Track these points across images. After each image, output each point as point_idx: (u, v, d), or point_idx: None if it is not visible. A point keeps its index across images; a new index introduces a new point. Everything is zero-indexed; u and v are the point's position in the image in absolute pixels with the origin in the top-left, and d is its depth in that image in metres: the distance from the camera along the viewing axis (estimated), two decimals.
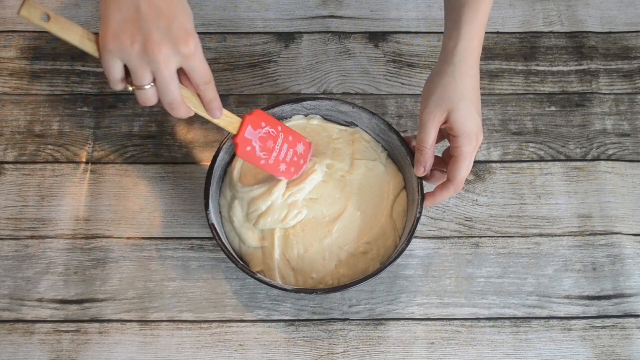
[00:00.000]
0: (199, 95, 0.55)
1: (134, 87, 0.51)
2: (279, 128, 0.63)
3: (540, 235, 0.73)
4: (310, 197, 0.67)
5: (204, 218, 0.72)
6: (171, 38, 0.49)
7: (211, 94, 0.55)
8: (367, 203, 0.68)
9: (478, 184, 0.76)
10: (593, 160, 0.77)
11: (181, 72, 0.53)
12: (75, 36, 0.50)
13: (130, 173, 0.75)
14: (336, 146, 0.70)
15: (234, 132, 0.60)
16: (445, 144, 0.63)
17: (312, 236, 0.66)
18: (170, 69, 0.50)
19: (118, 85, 0.52)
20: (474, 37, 0.59)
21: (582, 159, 0.77)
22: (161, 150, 0.77)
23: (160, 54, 0.49)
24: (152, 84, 0.51)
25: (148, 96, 0.52)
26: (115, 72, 0.51)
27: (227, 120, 0.60)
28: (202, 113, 0.57)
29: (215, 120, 0.58)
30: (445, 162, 0.63)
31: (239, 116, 0.61)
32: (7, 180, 0.75)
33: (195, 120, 0.78)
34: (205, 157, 0.76)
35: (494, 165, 0.77)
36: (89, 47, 0.51)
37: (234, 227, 0.66)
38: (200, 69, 0.52)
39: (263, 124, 0.62)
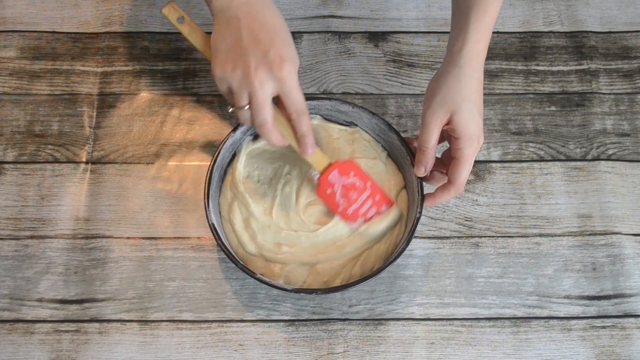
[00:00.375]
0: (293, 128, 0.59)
1: (234, 109, 0.57)
2: (368, 184, 0.65)
3: (540, 235, 0.73)
4: (308, 202, 0.67)
5: (204, 218, 0.72)
6: (267, 63, 0.54)
7: (304, 127, 0.59)
8: None
9: (478, 184, 0.76)
10: (593, 160, 0.77)
11: (280, 104, 0.57)
12: (200, 42, 0.60)
13: (130, 173, 0.75)
14: (336, 146, 0.70)
15: (319, 170, 0.63)
16: (445, 145, 0.63)
17: (313, 243, 0.66)
18: (264, 91, 0.55)
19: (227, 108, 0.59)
20: (481, 39, 0.59)
21: (582, 159, 0.77)
22: (161, 150, 0.77)
23: (256, 77, 0.54)
24: (248, 106, 0.56)
25: (246, 117, 0.57)
26: (225, 94, 0.57)
27: (317, 157, 0.62)
28: (295, 146, 0.60)
29: (304, 156, 0.61)
30: (444, 163, 0.63)
31: (330, 160, 0.63)
32: (7, 180, 0.75)
33: (195, 120, 0.78)
34: (205, 157, 0.76)
35: (494, 165, 0.77)
36: (208, 54, 0.59)
37: (234, 229, 0.66)
38: (294, 96, 0.56)
39: (351, 174, 0.64)
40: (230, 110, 0.58)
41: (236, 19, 0.55)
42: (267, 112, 0.56)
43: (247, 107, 0.56)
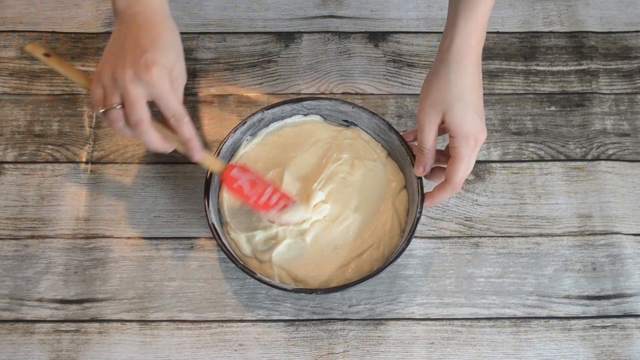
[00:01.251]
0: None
1: (105, 108, 0.55)
2: (268, 181, 0.65)
3: (540, 235, 0.73)
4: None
5: (204, 218, 0.72)
6: (137, 65, 0.53)
7: (187, 132, 0.57)
8: (369, 204, 0.68)
9: (478, 184, 0.76)
10: (593, 160, 0.77)
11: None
12: (69, 73, 0.60)
13: (130, 173, 0.75)
14: (336, 147, 0.71)
15: (219, 172, 0.63)
16: (447, 137, 0.63)
17: (313, 242, 0.66)
18: (135, 91, 0.53)
19: (98, 108, 0.55)
20: (471, 35, 0.58)
21: (582, 159, 0.77)
22: None
23: (125, 76, 0.53)
24: (120, 105, 0.54)
25: (116, 116, 0.55)
26: (96, 95, 0.56)
27: (211, 161, 0.62)
28: (182, 150, 0.59)
29: (194, 160, 0.60)
30: (446, 155, 0.63)
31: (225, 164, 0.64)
32: (7, 180, 0.75)
33: (195, 120, 0.78)
34: None
35: (494, 165, 0.77)
36: (81, 82, 0.60)
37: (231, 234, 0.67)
38: (167, 100, 0.55)
39: (251, 172, 0.64)
40: (102, 110, 0.55)
41: (126, 26, 0.56)
42: (140, 111, 0.54)
43: (119, 106, 0.54)
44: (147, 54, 0.53)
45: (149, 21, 0.56)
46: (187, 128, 0.57)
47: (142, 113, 0.54)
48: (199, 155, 0.59)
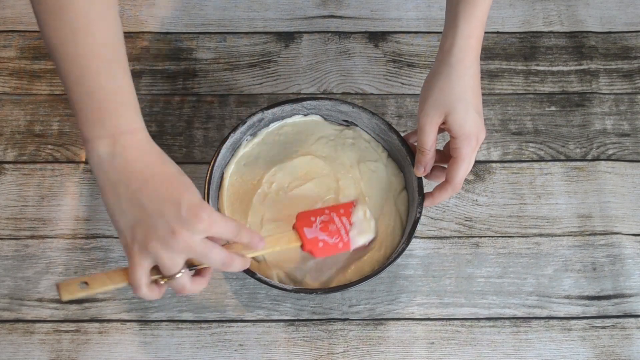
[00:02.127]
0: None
1: (165, 280, 0.50)
2: (326, 211, 0.63)
3: (540, 235, 0.73)
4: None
5: None
6: (185, 223, 0.47)
7: (246, 238, 0.52)
8: (373, 205, 0.68)
9: (478, 184, 0.76)
10: (593, 160, 0.77)
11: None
12: (112, 280, 0.50)
13: None
14: (336, 148, 0.71)
15: (297, 243, 0.60)
16: (447, 136, 0.63)
17: None
18: (199, 246, 0.48)
19: (143, 289, 0.49)
20: (472, 35, 0.57)
21: (582, 159, 0.77)
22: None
23: (182, 242, 0.47)
24: (182, 271, 0.49)
25: (182, 283, 0.50)
26: (142, 278, 0.49)
27: (280, 238, 0.59)
28: (254, 253, 0.56)
29: (269, 250, 0.57)
30: (445, 155, 0.63)
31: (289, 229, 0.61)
32: (7, 180, 0.75)
33: (195, 120, 0.78)
34: (205, 157, 0.76)
35: (494, 165, 0.77)
36: (120, 284, 0.51)
37: None
38: (224, 230, 0.50)
39: (312, 219, 0.62)
40: (163, 282, 0.50)
41: (125, 185, 0.48)
42: (217, 254, 0.50)
43: (180, 273, 0.49)
44: (182, 204, 0.47)
45: (146, 170, 0.49)
46: (244, 234, 0.52)
47: (220, 254, 0.50)
48: (262, 242, 0.54)
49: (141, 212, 0.47)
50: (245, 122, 0.68)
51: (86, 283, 0.49)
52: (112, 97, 0.49)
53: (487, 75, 0.82)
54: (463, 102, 0.57)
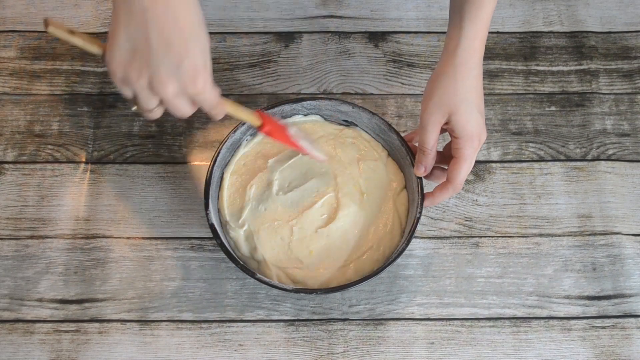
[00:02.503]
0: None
1: (141, 110, 0.51)
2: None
3: (540, 235, 0.73)
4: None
5: (204, 218, 0.71)
6: (179, 77, 0.47)
7: (217, 114, 0.53)
8: (371, 204, 0.68)
9: (478, 184, 0.76)
10: (593, 160, 0.77)
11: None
12: (94, 45, 0.50)
13: (130, 173, 0.75)
14: (336, 147, 0.71)
15: (258, 122, 0.59)
16: (447, 137, 0.63)
17: (313, 242, 0.66)
18: (182, 104, 0.49)
19: (131, 105, 0.51)
20: (476, 36, 0.58)
21: (582, 159, 0.77)
22: (161, 150, 0.77)
23: (167, 91, 0.48)
24: (158, 105, 0.50)
25: (153, 114, 0.52)
26: (126, 93, 0.50)
27: (243, 110, 0.58)
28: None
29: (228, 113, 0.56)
30: (445, 156, 0.63)
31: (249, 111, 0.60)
32: (7, 180, 0.75)
33: (195, 120, 0.78)
34: (205, 157, 0.76)
35: (494, 165, 0.77)
36: (94, 50, 0.50)
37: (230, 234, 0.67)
38: (209, 101, 0.51)
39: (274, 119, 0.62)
40: (134, 109, 0.52)
41: (142, 9, 0.46)
42: (185, 112, 0.51)
43: (157, 108, 0.51)
44: (186, 60, 0.47)
45: (169, 3, 0.47)
46: (220, 110, 0.53)
47: (187, 109, 0.51)
48: (222, 113, 0.54)
49: (145, 43, 0.46)
50: (245, 122, 0.68)
51: (73, 32, 0.49)
52: None
53: (487, 75, 0.82)
54: (466, 102, 0.58)
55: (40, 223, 0.73)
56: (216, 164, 0.66)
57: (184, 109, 0.50)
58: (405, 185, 0.70)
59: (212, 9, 0.86)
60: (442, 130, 0.61)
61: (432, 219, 0.74)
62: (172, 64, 0.47)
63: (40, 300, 0.69)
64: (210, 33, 0.84)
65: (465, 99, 0.58)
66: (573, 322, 0.69)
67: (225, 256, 0.68)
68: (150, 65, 0.47)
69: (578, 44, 0.85)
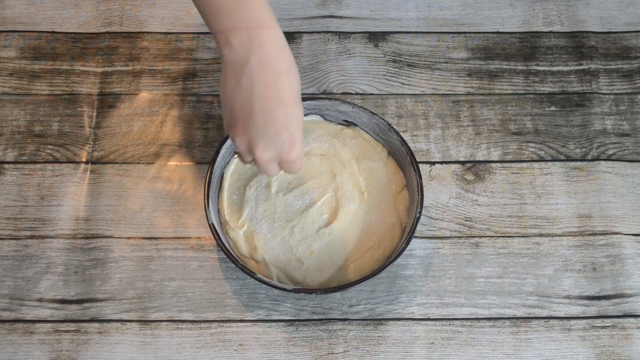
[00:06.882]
0: None
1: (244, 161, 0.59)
2: None
3: (540, 235, 0.73)
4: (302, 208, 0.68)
5: (204, 218, 0.72)
6: (276, 147, 0.53)
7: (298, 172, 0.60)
8: (372, 204, 0.68)
9: (478, 184, 0.76)
10: (593, 160, 0.77)
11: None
12: None
13: (130, 173, 0.75)
14: (336, 147, 0.71)
15: None
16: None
17: (314, 243, 0.66)
18: (271, 166, 0.56)
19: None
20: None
21: (582, 159, 0.77)
22: (161, 150, 0.77)
23: (263, 157, 0.54)
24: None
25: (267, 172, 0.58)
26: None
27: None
28: None
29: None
30: None
31: None
32: (7, 180, 0.75)
33: (195, 120, 0.78)
34: (205, 157, 0.76)
35: (494, 165, 0.77)
36: None
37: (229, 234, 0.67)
38: (297, 169, 0.56)
39: None
40: (236, 156, 0.63)
41: (248, 75, 0.51)
42: (274, 171, 0.57)
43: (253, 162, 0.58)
44: (284, 132, 0.53)
45: (275, 74, 0.51)
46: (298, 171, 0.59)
47: (275, 174, 0.58)
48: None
49: (248, 115, 0.52)
50: None
51: None
52: None
53: (487, 75, 0.82)
54: None
55: (40, 223, 0.73)
56: (216, 164, 0.66)
57: (274, 172, 0.57)
58: (405, 185, 0.70)
59: None
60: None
61: (432, 219, 0.74)
62: (272, 134, 0.52)
63: (40, 300, 0.69)
64: (211, 33, 0.84)
65: None
66: (573, 322, 0.69)
67: (225, 256, 0.68)
68: (250, 134, 0.53)
69: (578, 44, 0.85)
